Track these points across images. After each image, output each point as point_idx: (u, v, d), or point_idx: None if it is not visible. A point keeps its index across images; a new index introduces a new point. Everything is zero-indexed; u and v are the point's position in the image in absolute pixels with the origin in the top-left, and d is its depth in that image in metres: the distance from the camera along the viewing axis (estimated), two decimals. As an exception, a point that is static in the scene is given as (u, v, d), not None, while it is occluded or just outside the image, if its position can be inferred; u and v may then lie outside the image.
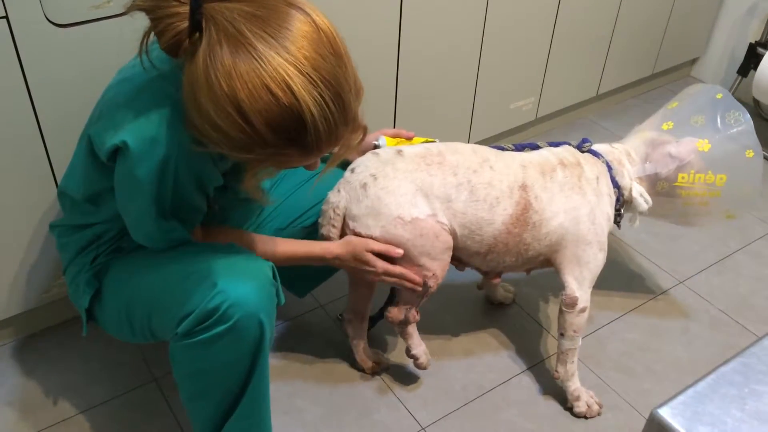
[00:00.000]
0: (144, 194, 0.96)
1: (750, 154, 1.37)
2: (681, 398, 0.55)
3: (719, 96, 1.42)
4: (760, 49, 2.16)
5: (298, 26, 0.84)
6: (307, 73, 0.83)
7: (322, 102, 0.85)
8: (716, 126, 1.39)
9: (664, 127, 1.42)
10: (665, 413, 0.53)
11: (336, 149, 0.96)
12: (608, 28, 2.14)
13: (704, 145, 1.37)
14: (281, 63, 0.82)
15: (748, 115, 1.38)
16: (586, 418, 1.40)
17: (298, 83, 0.83)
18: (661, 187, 1.40)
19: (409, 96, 1.78)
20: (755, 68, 2.15)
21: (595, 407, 1.40)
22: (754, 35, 2.31)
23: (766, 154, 2.20)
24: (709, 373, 0.57)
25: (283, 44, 0.83)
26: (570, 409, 1.41)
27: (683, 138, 1.39)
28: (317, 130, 0.86)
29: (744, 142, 1.37)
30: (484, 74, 1.91)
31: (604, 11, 2.09)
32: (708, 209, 1.42)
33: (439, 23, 1.72)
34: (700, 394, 0.55)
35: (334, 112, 0.86)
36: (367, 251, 1.23)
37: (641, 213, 1.41)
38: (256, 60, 0.82)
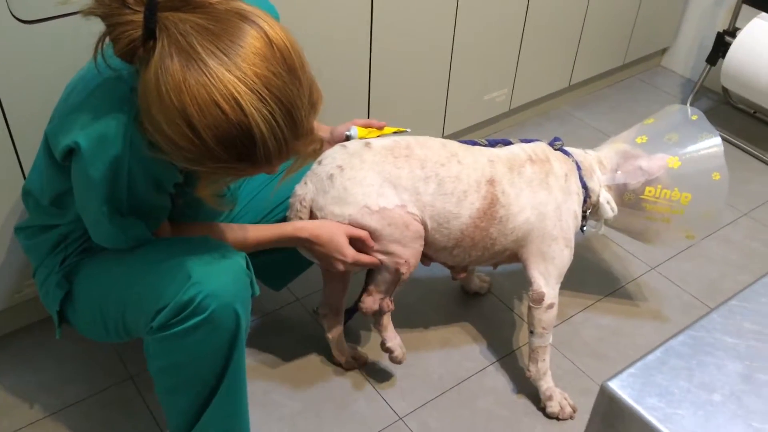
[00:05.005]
0: (98, 194, 0.96)
1: (716, 176, 1.40)
2: (630, 370, 0.57)
3: (694, 117, 1.46)
4: (727, 38, 2.20)
5: (251, 42, 0.84)
6: (257, 90, 0.83)
7: (272, 119, 0.85)
8: (688, 145, 1.42)
9: (638, 140, 1.46)
10: (615, 385, 0.55)
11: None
12: (579, 19, 2.16)
13: (674, 162, 1.40)
14: (231, 79, 0.82)
15: (720, 139, 1.42)
16: (558, 419, 1.40)
17: (247, 100, 0.83)
18: (627, 198, 1.43)
19: (382, 89, 1.79)
20: (723, 57, 2.18)
21: (568, 409, 1.40)
22: (721, 24, 2.35)
23: (736, 141, 2.24)
24: (658, 346, 0.59)
25: (234, 60, 0.83)
26: (543, 410, 1.41)
27: (655, 153, 1.42)
28: (267, 146, 0.86)
29: (712, 164, 1.41)
30: (457, 66, 1.91)
31: (575, 2, 2.11)
32: (669, 227, 1.45)
33: (412, 14, 1.72)
34: (648, 367, 0.57)
35: (284, 128, 0.87)
36: (346, 235, 1.23)
37: (606, 220, 1.44)
38: (206, 75, 0.82)
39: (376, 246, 1.25)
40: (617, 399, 0.54)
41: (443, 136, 2.03)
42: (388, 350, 1.37)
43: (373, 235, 1.24)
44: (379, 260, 1.27)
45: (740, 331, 0.60)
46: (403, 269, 1.28)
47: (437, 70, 1.88)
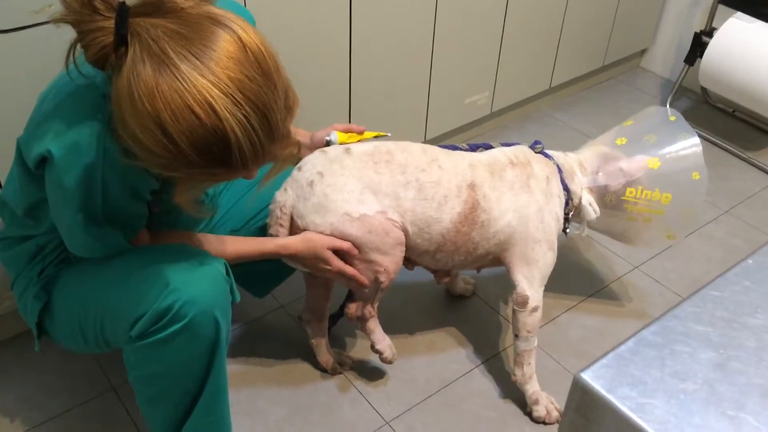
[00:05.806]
0: (72, 203, 0.95)
1: (696, 176, 1.41)
2: (603, 361, 0.57)
3: (672, 118, 1.48)
4: (705, 38, 2.22)
5: (224, 46, 0.83)
6: (231, 94, 0.83)
7: (247, 123, 0.84)
8: (667, 146, 1.44)
9: (618, 142, 1.47)
10: (588, 377, 0.55)
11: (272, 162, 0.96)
12: (558, 21, 2.18)
13: (654, 163, 1.41)
14: (204, 84, 0.82)
15: (698, 138, 1.43)
16: (545, 423, 1.40)
17: (221, 104, 0.82)
18: (609, 199, 1.44)
19: (363, 94, 1.79)
20: (701, 56, 2.20)
21: (555, 413, 1.39)
22: (698, 25, 2.37)
23: (716, 140, 2.26)
24: (631, 336, 0.59)
25: (207, 65, 0.82)
26: (529, 414, 1.41)
27: (635, 155, 1.43)
28: (242, 150, 0.86)
29: (692, 164, 1.42)
30: (437, 69, 1.92)
31: (553, 4, 2.12)
32: (650, 227, 1.46)
33: (391, 18, 1.73)
34: (621, 357, 0.57)
35: (260, 132, 0.86)
36: (328, 248, 1.23)
37: (589, 222, 1.45)
38: (179, 80, 0.81)
39: (357, 255, 1.25)
40: (590, 390, 0.54)
41: (425, 140, 2.04)
42: (378, 352, 1.37)
43: (354, 243, 1.24)
44: (359, 269, 1.26)
45: (712, 319, 0.61)
46: (383, 277, 1.28)
47: (418, 74, 1.89)
